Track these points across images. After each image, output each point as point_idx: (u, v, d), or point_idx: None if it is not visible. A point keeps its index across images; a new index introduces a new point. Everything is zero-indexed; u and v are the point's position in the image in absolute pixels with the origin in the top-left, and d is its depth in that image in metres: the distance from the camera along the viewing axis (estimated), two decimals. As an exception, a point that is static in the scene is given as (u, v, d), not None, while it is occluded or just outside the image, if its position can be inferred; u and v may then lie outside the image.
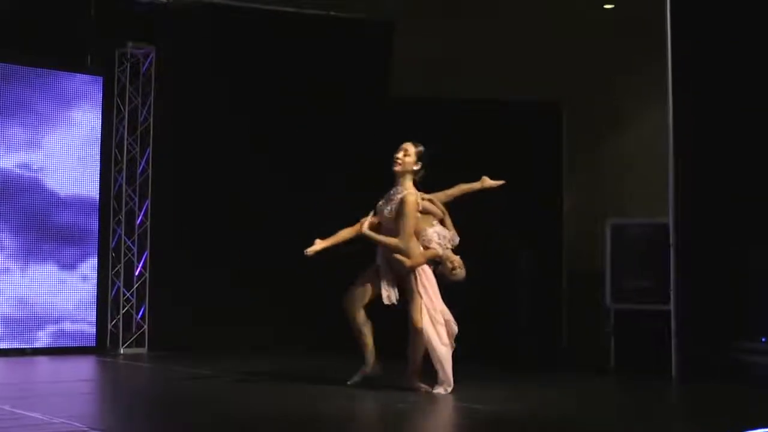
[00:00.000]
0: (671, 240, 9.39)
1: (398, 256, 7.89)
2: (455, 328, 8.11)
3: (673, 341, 9.26)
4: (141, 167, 12.07)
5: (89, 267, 11.83)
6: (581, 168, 12.84)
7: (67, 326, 11.62)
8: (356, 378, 8.27)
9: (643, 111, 12.46)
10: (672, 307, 9.32)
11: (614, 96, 12.72)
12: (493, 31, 12.27)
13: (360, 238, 8.25)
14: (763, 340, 9.06)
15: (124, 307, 11.85)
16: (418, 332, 7.92)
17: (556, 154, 12.73)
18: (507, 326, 11.94)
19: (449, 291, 8.30)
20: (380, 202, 8.32)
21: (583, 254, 12.17)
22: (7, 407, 6.96)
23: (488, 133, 12.38)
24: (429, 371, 8.04)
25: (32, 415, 6.63)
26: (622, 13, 12.35)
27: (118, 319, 11.83)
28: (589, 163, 12.96)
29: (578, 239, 12.42)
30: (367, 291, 8.13)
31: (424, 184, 8.38)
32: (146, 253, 11.95)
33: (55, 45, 11.48)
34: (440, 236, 8.15)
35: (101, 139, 11.96)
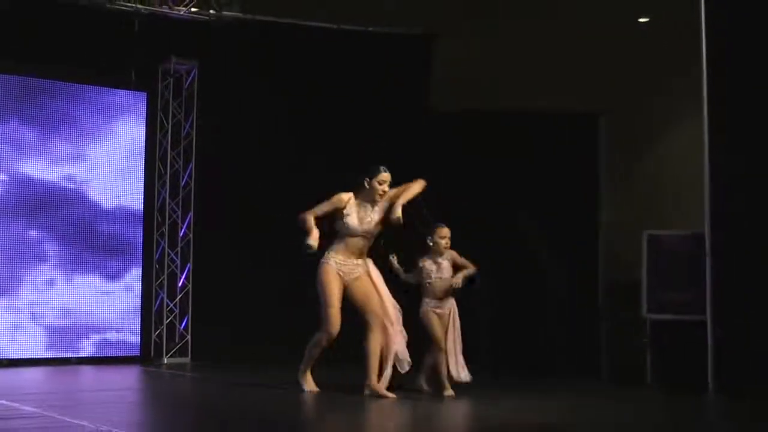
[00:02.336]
0: (707, 250, 9.33)
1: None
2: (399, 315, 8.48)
3: (710, 353, 9.19)
4: (184, 181, 12.18)
5: (133, 278, 11.95)
6: (618, 180, 12.77)
7: (112, 336, 11.73)
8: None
9: (678, 123, 12.40)
10: (708, 317, 9.26)
11: (650, 108, 12.66)
12: (530, 44, 12.26)
13: None
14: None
15: (167, 317, 11.96)
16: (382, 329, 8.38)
17: (594, 166, 12.68)
18: (544, 337, 11.91)
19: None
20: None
21: (620, 265, 12.11)
22: (55, 415, 7.04)
23: (526, 145, 12.38)
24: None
25: (79, 422, 6.68)
26: (657, 26, 12.32)
27: (162, 329, 11.94)
28: (626, 174, 12.89)
29: (615, 250, 12.35)
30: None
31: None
32: (189, 265, 12.05)
33: (101, 61, 11.62)
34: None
35: (145, 153, 12.09)
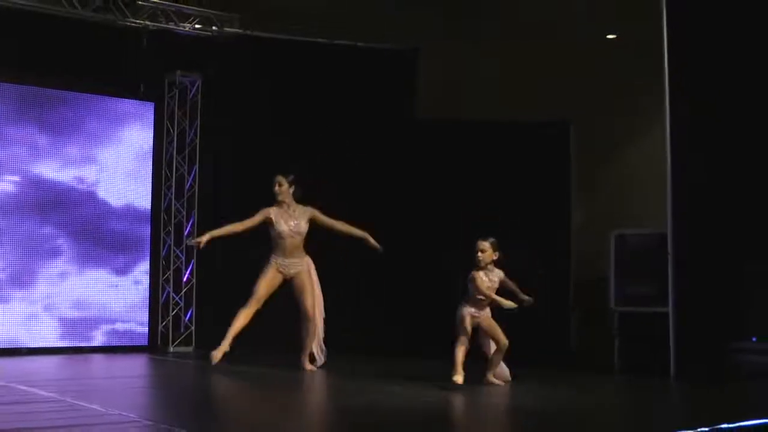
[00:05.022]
0: (669, 249, 9.35)
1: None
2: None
3: (672, 341, 9.21)
4: (188, 184, 12.15)
5: (141, 272, 11.91)
6: (588, 183, 12.81)
7: (121, 327, 11.69)
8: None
9: (643, 130, 12.46)
10: (670, 310, 9.28)
11: (617, 116, 12.71)
12: (507, 59, 12.30)
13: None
14: (754, 339, 9.00)
15: (173, 309, 11.92)
16: (311, 320, 9.38)
17: (565, 171, 12.69)
18: (518, 328, 11.89)
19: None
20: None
21: (589, 262, 12.13)
22: (68, 399, 7.01)
23: (502, 151, 12.40)
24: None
25: (91, 406, 6.66)
26: (623, 42, 12.38)
27: (168, 320, 11.90)
28: (595, 179, 12.94)
29: (585, 248, 12.38)
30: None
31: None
32: (193, 262, 12.02)
33: (112, 73, 11.58)
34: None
35: (153, 157, 12.06)
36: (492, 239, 8.32)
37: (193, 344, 11.88)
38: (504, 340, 8.31)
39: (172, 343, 11.82)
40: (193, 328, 11.94)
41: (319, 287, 9.62)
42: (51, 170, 11.37)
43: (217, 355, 9.31)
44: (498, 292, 8.28)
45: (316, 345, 9.58)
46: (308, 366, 9.38)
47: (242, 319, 9.44)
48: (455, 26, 12.13)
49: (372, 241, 9.53)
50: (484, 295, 8.15)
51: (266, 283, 9.52)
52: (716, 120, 9.26)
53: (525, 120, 12.41)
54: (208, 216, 12.09)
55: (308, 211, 9.53)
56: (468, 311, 8.22)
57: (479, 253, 8.23)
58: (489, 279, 8.27)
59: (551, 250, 12.27)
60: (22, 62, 11.05)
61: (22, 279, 11.11)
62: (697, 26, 9.49)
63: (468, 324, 8.20)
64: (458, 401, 7.53)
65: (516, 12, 11.78)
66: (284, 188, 9.47)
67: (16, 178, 11.16)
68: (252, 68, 12.35)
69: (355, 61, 12.79)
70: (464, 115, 12.56)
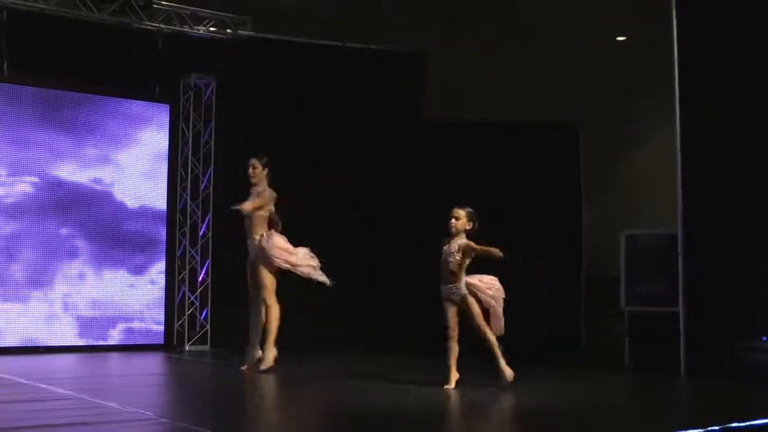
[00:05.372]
0: (680, 249, 9.33)
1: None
2: None
3: (682, 341, 9.19)
4: (203, 184, 12.19)
5: (157, 272, 11.94)
6: (598, 184, 12.80)
7: (137, 326, 11.72)
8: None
9: (653, 131, 12.44)
10: (681, 309, 9.26)
11: (627, 118, 12.70)
12: (517, 62, 12.29)
13: None
14: (764, 338, 8.97)
15: (188, 308, 11.96)
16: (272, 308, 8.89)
17: (576, 173, 12.68)
18: (531, 327, 11.90)
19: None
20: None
21: (600, 263, 12.12)
22: (86, 397, 7.03)
23: (514, 153, 12.40)
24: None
25: (109, 404, 6.68)
26: (633, 44, 12.35)
27: (184, 319, 11.94)
28: (605, 180, 12.93)
29: (596, 249, 12.37)
30: None
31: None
32: (208, 261, 12.05)
33: (128, 76, 11.63)
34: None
35: (168, 159, 12.10)
36: (469, 209, 8.01)
37: (209, 343, 11.91)
38: (482, 327, 7.79)
39: (188, 342, 11.85)
40: (208, 327, 11.98)
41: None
42: (69, 171, 11.42)
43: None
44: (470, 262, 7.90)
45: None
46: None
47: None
48: (464, 29, 12.13)
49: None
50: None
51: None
52: (726, 121, 9.24)
53: (535, 122, 12.41)
54: (222, 217, 12.12)
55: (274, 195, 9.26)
56: (444, 296, 7.84)
57: (452, 220, 7.92)
58: (449, 247, 7.88)
59: (561, 250, 12.26)
60: (40, 65, 11.12)
61: (40, 279, 11.16)
62: (706, 27, 9.47)
63: (448, 311, 7.78)
64: (469, 400, 7.52)
65: (526, 14, 11.78)
66: (258, 171, 9.21)
67: (35, 180, 11.21)
68: (264, 70, 12.40)
69: (364, 64, 12.82)
70: (473, 117, 12.57)
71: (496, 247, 7.70)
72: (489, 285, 7.96)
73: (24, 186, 11.16)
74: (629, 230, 10.78)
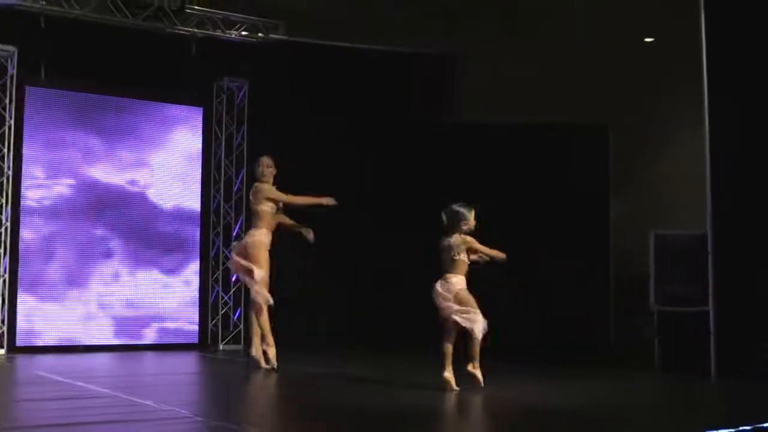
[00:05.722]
0: (709, 248, 9.27)
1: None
2: None
3: (712, 340, 9.13)
4: (236, 186, 12.25)
5: (191, 273, 12.01)
6: (627, 184, 12.73)
7: (171, 325, 11.79)
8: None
9: (682, 131, 12.36)
10: (711, 309, 9.20)
11: (656, 118, 12.63)
12: (548, 64, 12.26)
13: None
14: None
15: (222, 308, 12.02)
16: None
17: (605, 172, 12.62)
18: (560, 327, 11.86)
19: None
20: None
21: (629, 262, 12.05)
22: (122, 395, 7.10)
23: (544, 153, 12.37)
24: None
25: (145, 402, 6.74)
26: (661, 44, 12.30)
27: (217, 319, 12.01)
28: (634, 179, 12.86)
29: (625, 249, 12.30)
30: None
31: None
32: (241, 261, 12.09)
33: (162, 80, 11.72)
34: None
35: (202, 161, 12.17)
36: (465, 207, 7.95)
37: (242, 343, 11.95)
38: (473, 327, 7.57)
39: (222, 342, 11.91)
40: (241, 326, 12.02)
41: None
42: (104, 173, 11.51)
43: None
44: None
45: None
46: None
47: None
48: (494, 31, 12.11)
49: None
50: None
51: None
52: (755, 120, 9.17)
53: (564, 123, 12.37)
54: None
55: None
56: (437, 290, 7.70)
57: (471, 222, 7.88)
58: (450, 242, 7.78)
59: (590, 250, 12.21)
60: (76, 70, 11.22)
61: (77, 279, 11.27)
62: (735, 25, 9.40)
63: (442, 305, 7.64)
64: (495, 398, 7.51)
65: (553, 17, 11.75)
66: (271, 170, 9.28)
67: (72, 181, 11.32)
68: (297, 73, 12.45)
69: (396, 66, 12.83)
70: (503, 119, 12.54)
71: (507, 249, 7.61)
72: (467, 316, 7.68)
73: (61, 188, 11.27)
74: (658, 230, 10.72)
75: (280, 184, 12.08)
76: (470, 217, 7.93)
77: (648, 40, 12.60)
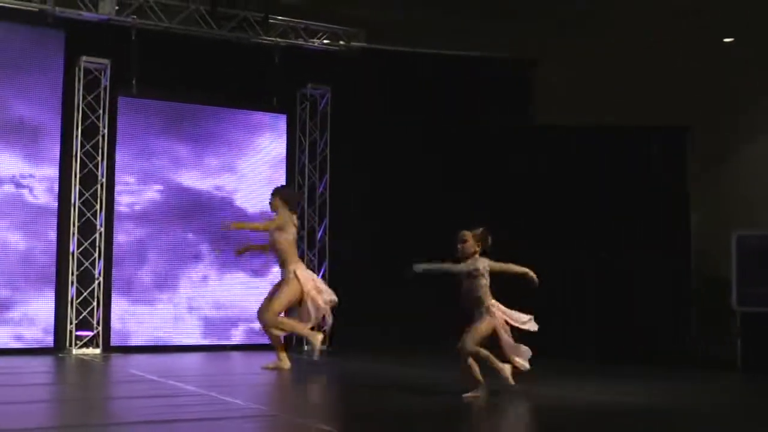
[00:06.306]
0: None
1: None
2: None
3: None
4: (320, 191, 12.37)
5: (276, 275, 12.06)
6: (707, 184, 12.52)
7: (258, 326, 11.90)
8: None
9: (763, 131, 12.12)
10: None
11: (736, 118, 12.40)
12: (624, 65, 12.13)
13: None
14: None
15: (307, 310, 12.10)
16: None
17: (684, 173, 12.43)
18: (642, 328, 11.71)
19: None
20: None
21: (711, 263, 11.86)
22: (213, 394, 7.23)
23: (622, 155, 12.23)
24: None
25: (234, 401, 6.86)
26: (742, 44, 12.08)
27: (302, 320, 12.09)
28: (713, 179, 12.64)
29: (706, 250, 12.09)
30: None
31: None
32: (325, 264, 12.22)
33: (247, 88, 11.93)
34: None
35: (286, 167, 12.33)
36: (479, 229, 7.22)
37: (327, 343, 12.03)
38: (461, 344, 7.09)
39: (305, 343, 11.99)
40: (325, 327, 12.08)
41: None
42: (192, 179, 11.74)
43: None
44: (498, 280, 7.20)
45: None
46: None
47: None
48: (571, 32, 12.03)
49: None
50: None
51: None
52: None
53: (643, 124, 12.22)
54: (338, 222, 12.31)
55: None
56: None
57: (460, 244, 7.22)
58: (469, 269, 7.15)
59: (671, 251, 12.04)
60: (165, 80, 11.49)
61: (167, 282, 11.50)
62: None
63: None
64: (571, 399, 7.47)
65: (633, 18, 11.63)
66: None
67: (161, 187, 11.56)
68: (378, 79, 12.52)
69: (475, 71, 12.81)
70: (582, 121, 12.44)
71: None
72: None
73: (151, 194, 11.53)
74: (740, 230, 10.53)
75: (368, 192, 12.18)
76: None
77: (727, 40, 12.39)
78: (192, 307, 11.63)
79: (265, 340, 11.86)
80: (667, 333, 11.73)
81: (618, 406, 7.09)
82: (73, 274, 10.96)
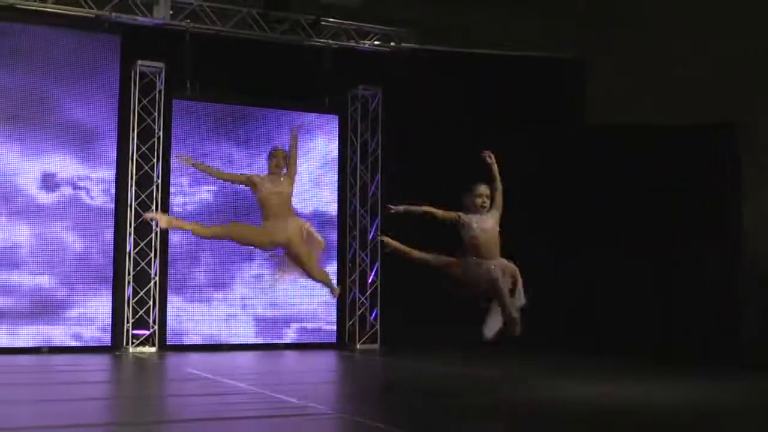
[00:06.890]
0: None
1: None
2: None
3: None
4: (372, 191, 12.34)
5: (329, 274, 12.09)
6: (762, 183, 12.25)
7: (310, 325, 11.93)
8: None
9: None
10: None
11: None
12: (674, 62, 11.93)
13: None
14: None
15: (359, 309, 12.11)
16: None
17: (737, 171, 12.17)
18: (691, 326, 11.50)
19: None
20: None
21: (764, 263, 11.59)
22: (267, 392, 7.22)
23: (674, 154, 12.02)
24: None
25: (289, 399, 6.84)
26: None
27: (355, 319, 12.11)
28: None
29: (759, 249, 11.83)
30: None
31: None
32: (377, 264, 12.18)
33: (299, 90, 11.92)
34: None
35: (338, 167, 12.30)
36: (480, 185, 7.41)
37: (379, 342, 12.02)
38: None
39: (359, 341, 11.99)
40: (378, 326, 12.09)
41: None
42: (245, 180, 11.72)
43: None
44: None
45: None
46: None
47: None
48: (620, 31, 11.85)
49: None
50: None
51: None
52: None
53: (694, 123, 12.00)
54: (390, 222, 12.17)
55: None
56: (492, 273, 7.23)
57: (481, 198, 7.44)
58: (486, 222, 7.41)
59: (724, 250, 11.80)
60: (218, 83, 11.53)
61: (221, 281, 11.53)
62: None
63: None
64: (622, 396, 7.34)
65: (678, 18, 11.42)
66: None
67: (214, 188, 11.58)
68: (428, 79, 12.41)
69: (526, 72, 12.66)
70: (633, 121, 12.24)
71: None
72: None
73: (203, 194, 11.57)
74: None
75: (420, 192, 12.07)
76: None
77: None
78: (245, 306, 11.64)
79: (318, 339, 11.92)
80: (719, 334, 11.50)
81: (679, 407, 6.95)
82: (129, 273, 11.04)
